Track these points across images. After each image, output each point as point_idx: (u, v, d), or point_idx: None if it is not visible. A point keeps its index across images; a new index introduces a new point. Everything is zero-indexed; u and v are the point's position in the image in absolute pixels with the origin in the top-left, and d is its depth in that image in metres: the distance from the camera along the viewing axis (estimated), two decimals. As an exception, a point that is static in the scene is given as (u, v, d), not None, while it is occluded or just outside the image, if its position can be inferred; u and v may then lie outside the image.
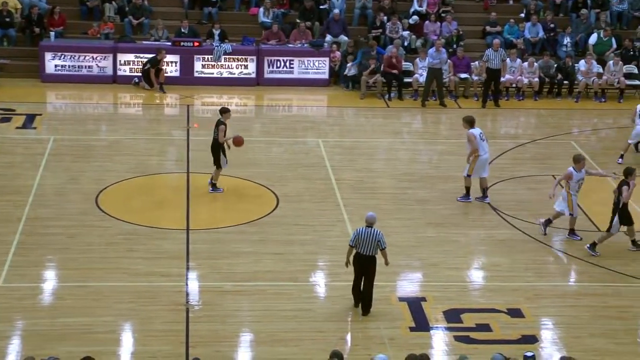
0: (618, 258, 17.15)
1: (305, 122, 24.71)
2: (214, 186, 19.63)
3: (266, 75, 27.37)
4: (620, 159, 21.64)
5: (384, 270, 16.03)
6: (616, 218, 17.22)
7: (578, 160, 17.91)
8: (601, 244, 17.34)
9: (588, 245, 17.40)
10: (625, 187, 17.12)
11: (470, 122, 19.50)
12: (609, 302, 15.60)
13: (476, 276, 16.75)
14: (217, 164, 19.47)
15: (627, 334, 14.69)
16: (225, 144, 19.42)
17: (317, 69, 27.42)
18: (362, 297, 14.97)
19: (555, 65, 27.16)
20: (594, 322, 14.93)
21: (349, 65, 26.91)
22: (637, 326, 15.10)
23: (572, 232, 17.98)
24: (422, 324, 14.74)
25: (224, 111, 19.67)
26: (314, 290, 16.02)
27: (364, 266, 14.80)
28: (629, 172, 17.33)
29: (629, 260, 17.09)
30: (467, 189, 19.50)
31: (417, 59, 26.87)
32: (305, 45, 27.71)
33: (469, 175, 19.43)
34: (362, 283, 14.91)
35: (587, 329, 14.74)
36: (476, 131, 19.37)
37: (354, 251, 14.85)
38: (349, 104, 26.04)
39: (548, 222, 18.07)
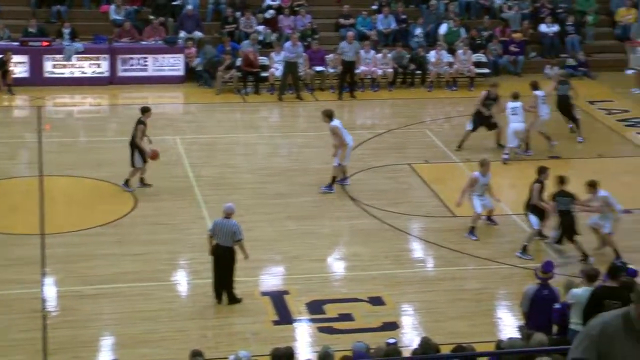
0: (473, 242, 17.59)
1: (161, 120, 24.37)
2: (126, 183, 19.31)
3: (120, 74, 26.95)
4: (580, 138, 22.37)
5: (246, 265, 16.04)
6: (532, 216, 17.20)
7: (483, 164, 17.92)
8: (530, 244, 17.21)
9: (519, 252, 17.06)
10: (536, 185, 17.15)
11: (329, 115, 19.69)
12: (465, 286, 16.02)
13: (337, 267, 16.94)
14: (132, 162, 19.10)
15: (484, 316, 15.11)
16: (142, 143, 19.10)
17: (172, 66, 27.16)
18: (224, 289, 14.96)
19: (408, 56, 27.66)
20: (452, 306, 15.29)
21: (196, 61, 26.81)
22: (492, 307, 15.55)
23: (471, 230, 17.78)
24: (285, 317, 14.81)
25: (145, 110, 19.38)
26: (175, 289, 15.90)
27: (222, 257, 14.83)
28: (541, 171, 17.35)
29: (482, 244, 17.55)
30: (333, 178, 19.64)
31: (273, 53, 26.93)
32: (159, 42, 27.41)
33: (339, 164, 19.54)
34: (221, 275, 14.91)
35: (446, 312, 15.09)
36: (337, 122, 19.58)
37: (214, 242, 14.83)
38: (206, 100, 25.90)
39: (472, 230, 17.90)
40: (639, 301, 6.15)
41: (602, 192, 16.95)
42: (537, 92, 21.68)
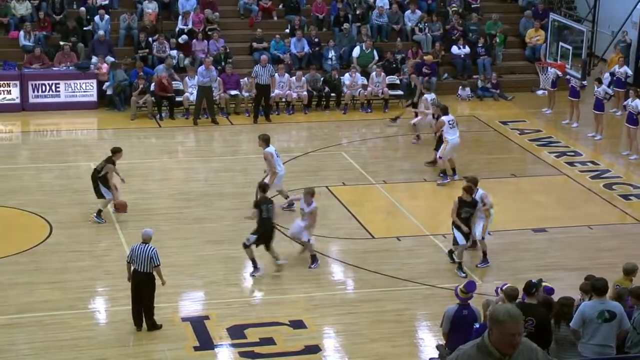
0: (391, 263, 17.69)
1: (76, 146, 24.09)
2: (98, 214, 19.03)
3: (31, 100, 26.49)
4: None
5: (166, 291, 15.88)
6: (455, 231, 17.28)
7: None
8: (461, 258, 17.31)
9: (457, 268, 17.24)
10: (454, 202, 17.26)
11: (266, 141, 19.68)
12: (385, 307, 16.06)
13: (257, 290, 16.84)
14: (99, 194, 18.90)
15: (405, 337, 15.16)
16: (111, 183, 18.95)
17: (84, 92, 26.80)
18: (143, 315, 14.78)
19: (322, 79, 27.80)
20: (373, 327, 15.32)
21: (106, 84, 26.57)
22: (413, 328, 15.63)
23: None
24: (206, 343, 14.67)
25: (115, 151, 19.14)
26: (93, 317, 15.63)
27: (140, 283, 14.66)
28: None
29: (401, 265, 17.67)
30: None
31: (187, 78, 26.79)
32: (71, 67, 27.05)
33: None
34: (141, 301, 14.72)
35: (367, 334, 15.11)
36: (272, 149, 19.55)
37: (133, 267, 14.67)
38: (120, 126, 25.60)
39: None
40: (492, 326, 6.30)
41: (480, 191, 17.46)
42: (445, 117, 21.79)
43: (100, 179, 19.00)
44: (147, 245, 14.73)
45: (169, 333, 14.87)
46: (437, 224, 19.09)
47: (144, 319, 14.85)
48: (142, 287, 14.71)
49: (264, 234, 17.07)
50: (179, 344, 14.60)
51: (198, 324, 15.17)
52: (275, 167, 19.53)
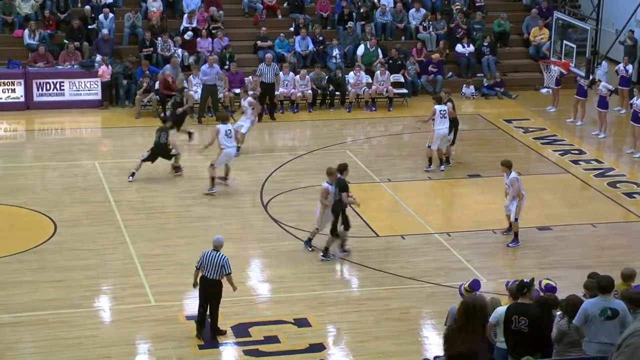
0: (395, 262, 17.70)
1: (80, 145, 24.09)
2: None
3: (36, 99, 26.51)
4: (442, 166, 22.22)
5: (170, 289, 15.96)
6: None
7: (331, 173, 17.80)
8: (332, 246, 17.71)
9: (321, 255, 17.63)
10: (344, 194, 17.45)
11: (221, 119, 21.12)
12: (390, 305, 16.07)
13: (262, 289, 16.85)
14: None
15: (409, 335, 15.17)
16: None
17: (89, 90, 26.81)
18: (211, 321, 14.68)
19: (327, 77, 27.80)
20: (378, 325, 15.33)
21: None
22: (417, 326, 15.64)
23: (308, 241, 18.04)
24: (211, 341, 14.66)
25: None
26: (98, 316, 15.63)
27: (208, 290, 14.52)
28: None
29: (406, 263, 17.67)
30: (212, 179, 20.60)
31: (191, 76, 26.79)
32: (75, 66, 27.07)
33: (212, 165, 20.60)
34: (208, 308, 14.63)
35: (372, 332, 15.12)
36: (222, 127, 20.57)
37: (200, 274, 14.57)
38: (125, 124, 25.62)
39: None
40: None
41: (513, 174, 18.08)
42: (437, 107, 21.77)
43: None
44: (218, 252, 14.51)
45: (173, 331, 14.88)
46: (442, 222, 19.09)
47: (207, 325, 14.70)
48: (210, 294, 14.53)
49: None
50: (183, 342, 14.60)
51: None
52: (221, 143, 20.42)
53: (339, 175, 17.64)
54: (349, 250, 17.83)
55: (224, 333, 14.79)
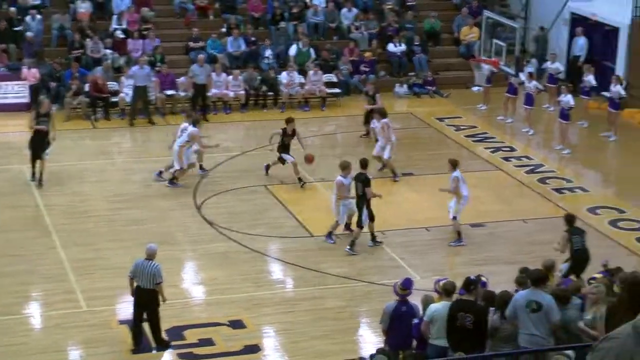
0: (330, 261, 17.70)
1: (7, 149, 23.64)
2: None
3: (-38, 102, 26.00)
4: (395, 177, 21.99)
5: (102, 294, 15.77)
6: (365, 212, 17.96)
7: (345, 167, 18.33)
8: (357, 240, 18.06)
9: (347, 247, 18.01)
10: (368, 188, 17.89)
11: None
12: (325, 304, 16.07)
13: (196, 291, 16.74)
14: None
15: (345, 334, 15.18)
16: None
17: (16, 94, 26.33)
18: (152, 333, 14.41)
19: (259, 77, 27.71)
20: (313, 325, 15.32)
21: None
22: (353, 325, 15.65)
23: (329, 234, 18.45)
24: (143, 346, 14.50)
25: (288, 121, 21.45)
26: (29, 322, 15.38)
27: (143, 300, 14.27)
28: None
29: (340, 262, 17.69)
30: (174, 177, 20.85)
31: (123, 78, 26.51)
32: (2, 69, 26.59)
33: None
34: (145, 318, 14.38)
35: (307, 332, 15.10)
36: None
37: (135, 283, 14.30)
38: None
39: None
40: None
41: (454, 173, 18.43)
42: (386, 120, 21.80)
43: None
44: (150, 261, 14.24)
45: (106, 337, 14.70)
46: (376, 220, 19.07)
47: (146, 336, 14.44)
48: (146, 303, 14.27)
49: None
50: (116, 347, 14.44)
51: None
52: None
53: (360, 170, 18.25)
54: (381, 240, 18.26)
55: (167, 344, 14.52)
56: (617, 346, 5.55)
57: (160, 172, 21.27)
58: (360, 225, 17.97)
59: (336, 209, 18.32)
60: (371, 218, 18.11)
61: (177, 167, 20.85)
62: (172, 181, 20.94)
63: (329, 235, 18.36)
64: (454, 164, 18.69)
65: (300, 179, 21.09)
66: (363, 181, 17.96)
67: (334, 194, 18.32)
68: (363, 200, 17.95)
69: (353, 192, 18.19)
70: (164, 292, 14.46)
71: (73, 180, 21.39)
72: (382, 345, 13.11)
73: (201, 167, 21.88)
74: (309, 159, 21.10)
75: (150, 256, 14.31)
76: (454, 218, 18.49)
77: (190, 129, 20.89)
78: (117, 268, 16.73)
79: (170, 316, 15.32)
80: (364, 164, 18.46)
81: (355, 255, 17.88)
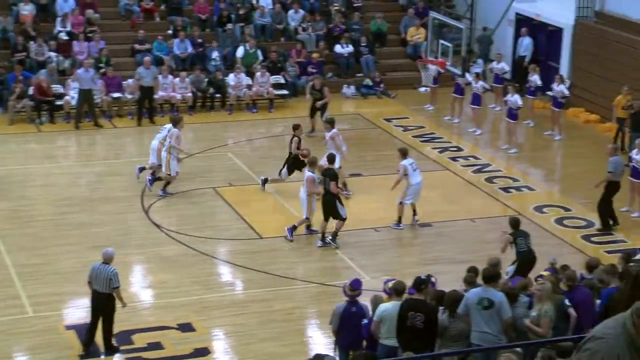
0: (279, 263, 17.67)
1: (-49, 154, 23.31)
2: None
3: None
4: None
5: (49, 299, 15.59)
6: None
7: (313, 163, 18.69)
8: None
9: (330, 238, 18.22)
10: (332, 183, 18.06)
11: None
12: (275, 306, 16.02)
13: (145, 295, 16.61)
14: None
15: (295, 335, 15.17)
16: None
17: (-41, 97, 25.97)
18: (103, 337, 14.25)
19: (206, 80, 27.59)
20: (263, 327, 15.27)
21: None
22: (302, 326, 15.64)
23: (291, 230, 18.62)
24: (92, 351, 14.35)
25: (295, 127, 20.98)
26: (-27, 329, 15.14)
27: (99, 304, 14.13)
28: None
29: (290, 264, 17.67)
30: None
31: (69, 81, 26.22)
32: (-57, 72, 26.20)
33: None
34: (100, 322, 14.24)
35: (257, 334, 15.06)
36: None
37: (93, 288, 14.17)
38: (-2, 131, 24.91)
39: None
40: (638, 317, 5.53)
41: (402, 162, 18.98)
42: (335, 130, 21.67)
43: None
44: (107, 265, 14.09)
45: (53, 342, 14.53)
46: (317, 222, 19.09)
47: (95, 340, 14.29)
48: (101, 308, 14.13)
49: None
50: (63, 352, 14.27)
51: (83, 332, 14.77)
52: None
53: (328, 165, 18.48)
54: (329, 242, 18.31)
55: (117, 350, 14.39)
56: (605, 347, 5.50)
57: (142, 169, 21.14)
58: (341, 217, 18.14)
59: (308, 205, 18.37)
60: (326, 217, 18.20)
61: (153, 161, 20.78)
62: (165, 190, 20.65)
63: (291, 231, 18.47)
64: (403, 153, 19.36)
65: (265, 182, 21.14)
66: (331, 176, 18.09)
67: (304, 190, 18.34)
68: (332, 195, 18.05)
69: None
70: (122, 296, 14.36)
71: (18, 184, 21.12)
72: (332, 345, 13.12)
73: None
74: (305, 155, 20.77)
75: (107, 260, 14.19)
76: (400, 203, 18.93)
77: (172, 129, 20.72)
78: (64, 273, 16.58)
79: (118, 320, 15.12)
80: (331, 159, 18.70)
81: (337, 247, 18.19)
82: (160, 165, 20.71)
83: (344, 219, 18.21)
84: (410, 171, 19.05)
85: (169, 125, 21.11)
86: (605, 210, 19.47)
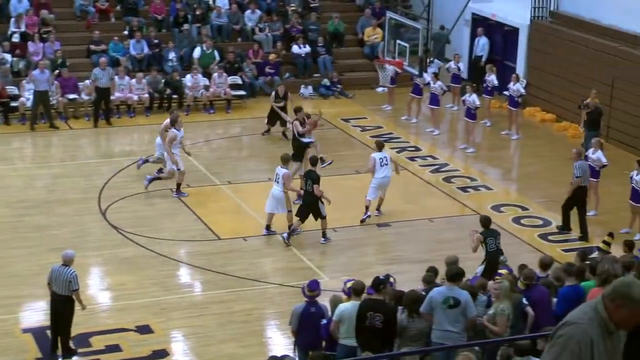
0: (238, 264, 17.64)
1: None
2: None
3: None
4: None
5: (5, 302, 15.45)
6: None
7: (286, 160, 18.83)
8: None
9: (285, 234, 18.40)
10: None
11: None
12: (233, 307, 16.00)
13: (103, 297, 16.51)
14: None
15: (254, 336, 15.16)
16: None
17: None
18: (60, 339, 14.14)
19: (163, 80, 27.45)
20: (222, 329, 15.25)
21: None
22: (261, 327, 15.63)
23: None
24: (50, 354, 14.24)
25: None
26: None
27: (57, 306, 14.01)
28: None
29: (248, 265, 17.65)
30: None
31: (24, 82, 25.95)
32: None
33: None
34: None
35: (216, 336, 15.04)
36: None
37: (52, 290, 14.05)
38: (-49, 133, 24.62)
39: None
40: (622, 304, 5.50)
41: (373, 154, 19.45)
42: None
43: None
44: (67, 267, 13.97)
45: (9, 345, 14.40)
46: (283, 222, 19.10)
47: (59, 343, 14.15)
48: (60, 310, 14.02)
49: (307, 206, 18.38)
50: (20, 356, 14.15)
51: (40, 335, 14.71)
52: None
53: (310, 167, 18.63)
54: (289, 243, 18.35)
55: (74, 353, 14.29)
56: (579, 332, 5.48)
57: (146, 161, 21.36)
58: (322, 216, 18.29)
59: (287, 200, 18.57)
60: (304, 218, 18.40)
61: (158, 154, 21.04)
62: (178, 190, 20.58)
63: (267, 228, 18.75)
64: (378, 145, 19.92)
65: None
66: (313, 179, 18.12)
67: (278, 187, 18.43)
68: (313, 196, 18.16)
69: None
70: (82, 299, 14.29)
71: (-28, 187, 20.89)
72: (291, 346, 13.13)
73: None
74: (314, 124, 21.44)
75: (67, 262, 14.10)
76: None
77: (171, 129, 20.55)
78: (20, 276, 16.43)
79: (75, 323, 15.00)
80: (313, 161, 18.77)
81: (328, 243, 18.46)
82: (160, 159, 20.92)
83: (324, 217, 18.34)
84: (377, 165, 19.18)
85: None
86: (567, 212, 19.40)
